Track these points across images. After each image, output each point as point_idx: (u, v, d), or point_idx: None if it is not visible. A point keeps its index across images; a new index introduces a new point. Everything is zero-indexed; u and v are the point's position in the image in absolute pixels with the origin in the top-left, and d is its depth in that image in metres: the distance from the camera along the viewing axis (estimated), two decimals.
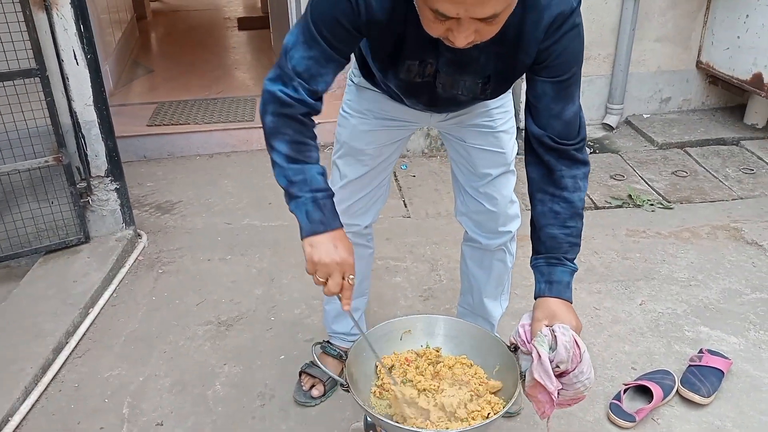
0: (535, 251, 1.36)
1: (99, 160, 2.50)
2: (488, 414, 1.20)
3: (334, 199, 1.29)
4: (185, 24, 6.50)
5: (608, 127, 3.69)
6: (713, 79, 3.75)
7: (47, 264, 2.42)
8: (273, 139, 1.25)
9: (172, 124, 3.57)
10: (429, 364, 1.34)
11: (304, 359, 1.96)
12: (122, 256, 2.50)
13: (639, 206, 2.90)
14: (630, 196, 2.97)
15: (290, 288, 2.37)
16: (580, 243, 1.35)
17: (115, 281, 2.39)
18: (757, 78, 3.31)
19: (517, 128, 1.74)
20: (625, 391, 1.82)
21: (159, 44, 5.78)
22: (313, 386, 1.86)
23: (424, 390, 1.27)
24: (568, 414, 1.78)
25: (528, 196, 1.38)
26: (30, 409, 1.82)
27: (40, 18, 2.22)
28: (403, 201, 3.00)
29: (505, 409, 1.19)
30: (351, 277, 1.24)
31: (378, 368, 1.33)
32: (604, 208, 2.91)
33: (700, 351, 1.95)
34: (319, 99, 1.27)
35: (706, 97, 3.85)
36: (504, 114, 1.59)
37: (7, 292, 2.30)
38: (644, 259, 2.52)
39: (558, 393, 1.18)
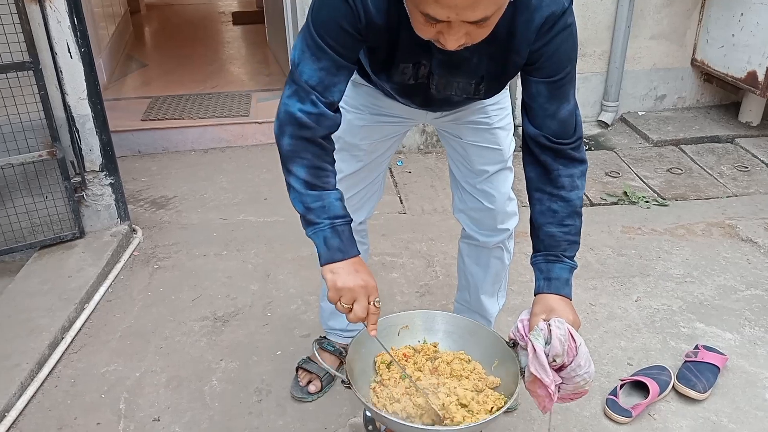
0: (535, 249, 1.37)
1: (93, 155, 2.49)
2: (491, 408, 1.20)
3: None
4: (179, 18, 6.46)
5: (603, 125, 3.70)
6: (708, 76, 3.76)
7: (42, 259, 2.40)
8: (291, 164, 1.23)
9: (167, 119, 3.55)
10: (427, 360, 1.34)
11: (301, 355, 1.96)
12: (117, 252, 2.49)
13: (634, 203, 2.91)
14: (625, 193, 2.98)
15: (286, 284, 2.37)
16: (579, 241, 1.35)
17: (111, 276, 2.38)
18: (752, 76, 3.32)
19: (515, 125, 1.75)
20: (621, 386, 1.83)
21: (153, 38, 5.75)
22: (310, 382, 1.85)
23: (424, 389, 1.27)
24: (565, 409, 1.78)
25: (526, 194, 1.38)
26: (26, 405, 1.81)
27: (33, 10, 2.20)
28: (399, 197, 3.00)
29: (509, 404, 1.19)
30: (377, 300, 1.23)
31: (377, 364, 1.33)
32: (599, 204, 2.91)
33: (696, 347, 1.96)
34: (337, 110, 1.25)
35: (701, 95, 3.87)
36: (500, 111, 1.59)
37: (1, 287, 2.29)
38: (639, 255, 2.53)
39: (558, 387, 1.18)
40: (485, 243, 1.72)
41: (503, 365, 1.29)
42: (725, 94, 3.85)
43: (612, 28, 3.54)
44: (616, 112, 3.72)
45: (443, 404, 1.22)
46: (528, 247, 1.37)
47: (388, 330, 1.37)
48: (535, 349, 1.16)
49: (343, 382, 1.23)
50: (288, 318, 2.19)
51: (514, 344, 1.27)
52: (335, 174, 1.27)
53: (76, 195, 2.47)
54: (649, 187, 3.05)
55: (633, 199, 2.93)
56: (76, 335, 2.09)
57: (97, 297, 2.26)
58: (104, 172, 2.52)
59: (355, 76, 1.55)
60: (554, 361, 1.16)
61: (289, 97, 1.22)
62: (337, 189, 1.25)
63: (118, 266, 2.44)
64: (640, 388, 1.83)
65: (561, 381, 1.19)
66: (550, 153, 1.31)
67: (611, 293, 2.31)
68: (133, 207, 2.85)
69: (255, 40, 5.45)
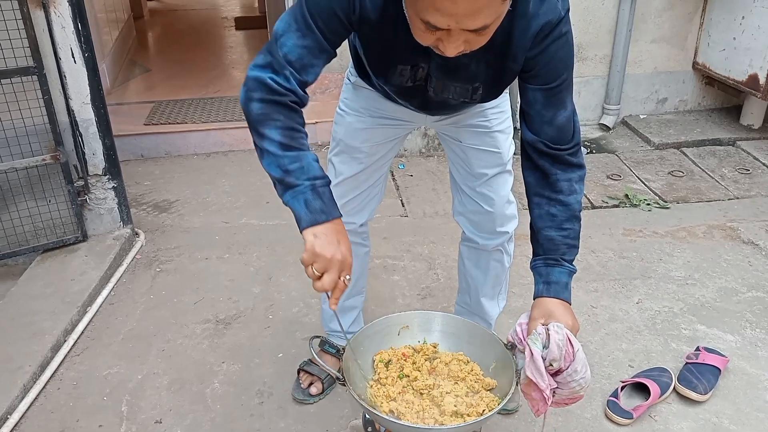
0: (534, 253, 1.37)
1: (96, 159, 2.50)
2: (483, 410, 1.21)
3: None
4: (182, 23, 6.49)
5: (605, 128, 3.71)
6: (709, 80, 3.77)
7: (45, 262, 2.42)
8: (263, 127, 1.18)
9: (170, 123, 3.57)
10: (426, 360, 1.34)
11: (302, 357, 1.96)
12: (120, 255, 2.50)
13: (636, 206, 2.92)
14: (627, 195, 2.98)
15: (288, 286, 2.38)
16: (578, 245, 1.35)
17: (113, 280, 2.39)
18: (753, 79, 3.32)
19: (514, 128, 1.75)
20: (622, 388, 1.83)
21: (156, 43, 5.77)
22: (311, 384, 1.86)
23: (420, 391, 1.28)
24: (566, 411, 1.78)
25: (526, 198, 1.39)
26: (29, 407, 1.82)
27: (37, 16, 2.22)
28: (401, 200, 3.01)
29: (500, 406, 1.20)
30: (347, 277, 1.19)
31: (375, 362, 1.33)
32: (601, 207, 2.92)
33: (697, 348, 1.96)
34: (305, 92, 1.22)
35: (703, 98, 3.87)
36: (500, 114, 1.60)
37: (4, 290, 2.30)
38: (641, 258, 2.53)
39: (554, 392, 1.18)
40: (485, 246, 1.73)
41: (501, 367, 1.29)
42: (726, 97, 3.86)
43: (613, 32, 3.55)
44: (617, 116, 3.73)
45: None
46: (529, 250, 1.38)
47: (388, 330, 1.38)
48: (532, 353, 1.16)
49: (338, 380, 1.23)
50: (290, 321, 2.20)
51: (512, 347, 1.27)
52: (307, 136, 1.22)
53: (79, 199, 2.48)
54: (651, 189, 3.05)
55: (634, 202, 2.93)
56: (78, 338, 2.10)
57: (99, 300, 2.27)
58: (107, 176, 2.54)
59: (356, 78, 1.56)
60: (551, 365, 1.16)
61: (262, 67, 1.19)
62: (309, 150, 1.20)
63: (121, 269, 2.45)
64: (641, 389, 1.83)
65: (556, 385, 1.19)
66: (548, 158, 1.32)
67: (612, 295, 2.31)
68: (135, 210, 2.87)
69: (257, 45, 5.46)
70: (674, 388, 1.86)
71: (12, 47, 2.15)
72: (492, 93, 1.37)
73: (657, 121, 3.75)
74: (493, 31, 1.07)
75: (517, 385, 1.23)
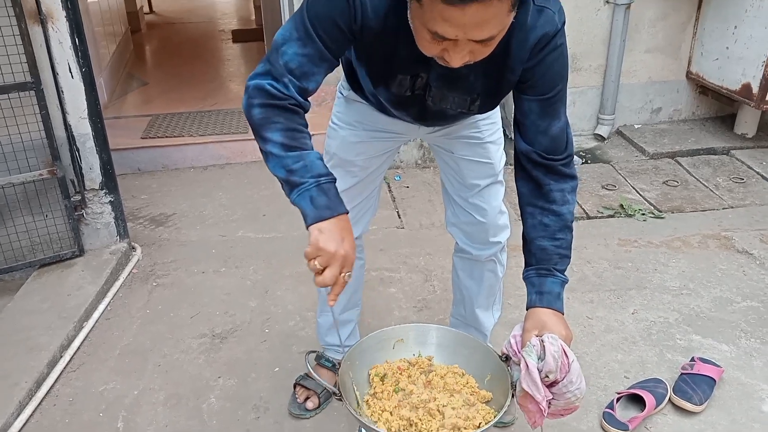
0: (527, 263, 1.38)
1: (93, 173, 2.51)
2: (479, 423, 1.21)
3: None
4: (180, 36, 6.52)
5: (600, 138, 3.73)
6: (703, 89, 3.79)
7: (41, 277, 2.42)
8: (265, 130, 1.20)
9: (167, 137, 3.58)
10: (421, 373, 1.35)
11: (299, 371, 1.96)
12: (116, 269, 2.50)
13: (631, 216, 2.93)
14: (622, 205, 2.99)
15: (284, 300, 2.38)
16: (570, 255, 1.37)
17: (110, 294, 2.39)
18: (746, 88, 3.35)
19: (505, 137, 1.77)
20: (617, 399, 1.84)
21: (153, 57, 5.80)
22: (307, 398, 1.86)
23: (416, 405, 1.28)
24: (562, 423, 1.78)
25: (519, 209, 1.40)
26: (24, 424, 1.82)
27: (35, 31, 2.23)
28: (397, 212, 3.02)
29: (497, 419, 1.20)
30: (348, 273, 1.19)
31: (371, 376, 1.34)
32: (596, 217, 2.93)
33: (692, 359, 1.96)
34: (307, 99, 1.24)
35: (697, 107, 3.89)
36: (491, 125, 1.62)
37: (1, 306, 2.30)
38: (636, 268, 2.54)
39: (549, 403, 1.19)
40: (478, 256, 1.74)
41: (496, 379, 1.30)
42: (720, 106, 3.88)
43: (607, 42, 3.57)
44: (612, 125, 3.75)
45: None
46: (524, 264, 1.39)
47: (383, 343, 1.39)
48: (527, 366, 1.17)
49: (334, 394, 1.24)
50: (286, 334, 2.20)
51: (506, 359, 1.28)
52: (311, 137, 1.23)
53: (76, 213, 2.49)
54: (646, 199, 3.07)
55: (629, 212, 2.94)
56: (74, 353, 2.10)
57: (96, 315, 2.27)
58: (104, 191, 2.54)
59: (349, 92, 1.58)
60: (547, 377, 1.17)
61: (262, 75, 1.21)
62: (313, 149, 1.22)
63: (117, 284, 2.46)
64: (637, 401, 1.84)
65: (552, 397, 1.19)
66: (542, 169, 1.34)
67: (608, 306, 2.32)
68: (132, 224, 2.87)
69: (255, 57, 5.49)
70: (670, 399, 1.86)
71: (10, 63, 2.16)
72: (489, 104, 1.38)
73: (651, 130, 3.77)
74: (498, 41, 1.09)
75: (512, 397, 1.24)
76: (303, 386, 1.88)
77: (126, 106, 4.22)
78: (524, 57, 1.23)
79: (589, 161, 3.49)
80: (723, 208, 2.98)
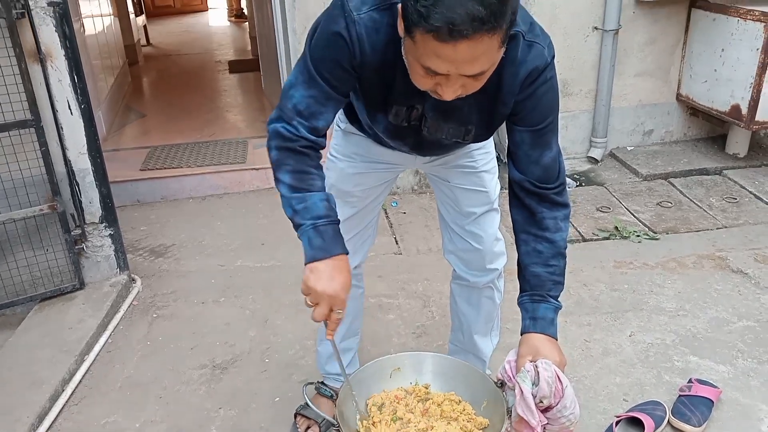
0: (521, 289, 1.42)
1: (93, 207, 2.54)
2: None
3: None
4: (177, 68, 6.60)
5: (593, 160, 3.77)
6: (694, 110, 3.85)
7: (42, 311, 2.43)
8: (278, 171, 1.31)
9: (165, 168, 3.62)
10: (418, 401, 1.37)
11: (299, 401, 1.96)
12: (117, 302, 2.52)
13: (626, 238, 2.96)
14: (616, 227, 3.03)
15: (284, 329, 2.39)
16: (564, 281, 1.40)
17: (110, 327, 2.41)
18: (736, 109, 3.40)
19: (499, 162, 1.80)
20: (617, 423, 1.85)
21: (151, 89, 5.87)
22: (308, 428, 1.87)
23: None
24: None
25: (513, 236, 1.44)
26: None
27: (35, 70, 2.28)
28: (395, 238, 3.05)
29: None
30: (339, 311, 1.27)
31: (368, 406, 1.35)
32: (591, 240, 2.96)
33: (689, 381, 1.98)
34: (321, 135, 1.32)
35: (688, 129, 3.95)
36: (485, 155, 1.66)
37: (3, 340, 2.31)
38: (632, 290, 2.56)
39: (544, 428, 1.21)
40: (476, 283, 1.77)
41: (492, 405, 1.32)
42: (711, 127, 3.93)
43: (597, 68, 3.64)
44: (605, 148, 3.80)
45: None
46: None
47: (380, 372, 1.41)
48: (522, 391, 1.19)
49: (333, 425, 1.26)
50: (286, 363, 2.21)
51: (501, 384, 1.30)
52: (322, 179, 1.32)
53: (77, 247, 2.51)
54: (640, 221, 3.10)
55: (624, 234, 2.98)
56: (76, 387, 2.11)
57: (97, 348, 2.29)
58: (104, 224, 2.57)
59: (347, 125, 1.62)
60: (541, 402, 1.19)
61: (276, 120, 1.31)
62: (322, 191, 1.31)
63: (118, 316, 2.47)
64: (636, 424, 1.84)
65: (547, 422, 1.21)
66: (535, 197, 1.38)
67: (605, 329, 2.33)
68: (132, 256, 2.89)
69: (251, 87, 5.57)
70: (668, 421, 1.87)
71: (10, 101, 2.20)
72: (483, 134, 1.43)
73: (644, 152, 3.82)
74: (489, 75, 1.14)
75: (509, 422, 1.26)
76: (304, 416, 1.89)
77: (124, 138, 4.27)
78: (515, 90, 1.27)
79: (583, 184, 3.53)
80: (717, 228, 3.01)
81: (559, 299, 1.39)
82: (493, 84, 1.23)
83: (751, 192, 3.34)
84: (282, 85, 4.19)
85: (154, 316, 2.50)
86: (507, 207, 1.47)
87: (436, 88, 1.15)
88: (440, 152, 1.57)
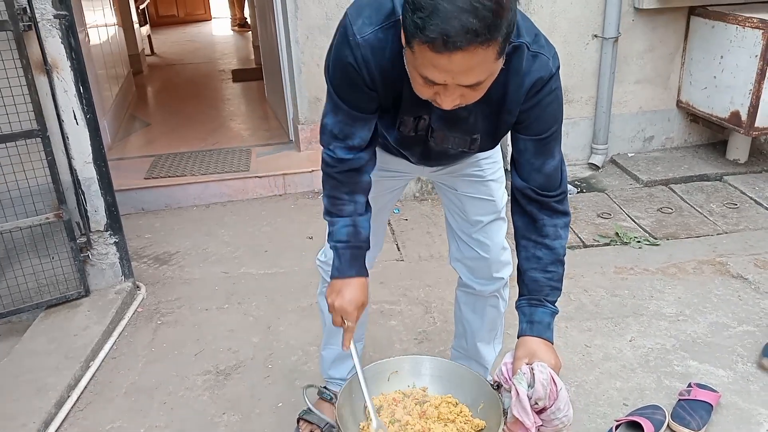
0: (520, 293, 1.44)
1: (98, 215, 2.57)
2: None
3: None
4: (181, 77, 6.65)
5: (594, 167, 3.79)
6: (694, 117, 3.87)
7: (48, 319, 2.46)
8: (322, 195, 1.49)
9: (169, 176, 3.65)
10: (416, 404, 1.39)
11: (302, 406, 1.98)
12: (122, 309, 2.55)
13: (626, 243, 2.97)
14: (617, 233, 3.04)
15: (287, 335, 2.42)
16: (561, 287, 1.42)
17: (115, 334, 2.43)
18: (735, 116, 3.42)
19: (506, 171, 1.83)
20: (617, 427, 1.86)
21: (155, 98, 5.91)
22: None
23: None
24: None
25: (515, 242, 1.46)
26: None
27: (41, 81, 2.31)
28: (396, 244, 3.07)
29: None
30: (349, 322, 1.42)
31: (365, 410, 1.38)
32: (592, 246, 2.98)
33: (689, 385, 1.99)
34: (360, 149, 1.41)
35: (688, 135, 3.97)
36: (493, 164, 1.69)
37: (9, 347, 2.34)
38: (633, 295, 2.58)
39: (538, 429, 1.23)
40: (481, 291, 1.79)
41: (489, 408, 1.34)
42: (712, 133, 3.95)
43: (597, 75, 3.67)
44: (605, 155, 3.82)
45: None
46: None
47: (378, 375, 1.43)
48: (518, 392, 1.21)
49: (333, 428, 1.28)
50: (289, 369, 2.23)
51: (498, 386, 1.32)
52: (353, 202, 1.46)
53: (82, 255, 2.54)
54: (641, 227, 3.12)
55: (625, 240, 2.99)
56: (81, 393, 2.14)
57: (102, 354, 2.31)
58: (109, 232, 2.60)
59: None
60: (536, 403, 1.21)
61: (323, 146, 1.45)
62: (350, 216, 1.45)
63: (123, 323, 2.50)
64: (636, 428, 1.86)
65: (541, 423, 1.23)
66: (536, 204, 1.40)
67: (606, 334, 2.35)
68: (136, 264, 2.92)
69: (255, 96, 5.60)
70: (668, 425, 1.89)
71: (17, 111, 2.23)
72: (489, 143, 1.46)
73: (645, 158, 3.84)
74: (488, 86, 1.16)
75: (504, 424, 1.28)
76: (306, 421, 1.91)
77: (129, 147, 4.31)
78: (520, 100, 1.30)
79: (584, 190, 3.55)
80: (717, 234, 3.03)
81: (556, 304, 1.41)
82: (498, 94, 1.27)
83: (751, 198, 3.35)
84: (284, 93, 4.23)
85: (159, 322, 2.53)
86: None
87: (435, 98, 1.18)
88: (447, 161, 1.60)
